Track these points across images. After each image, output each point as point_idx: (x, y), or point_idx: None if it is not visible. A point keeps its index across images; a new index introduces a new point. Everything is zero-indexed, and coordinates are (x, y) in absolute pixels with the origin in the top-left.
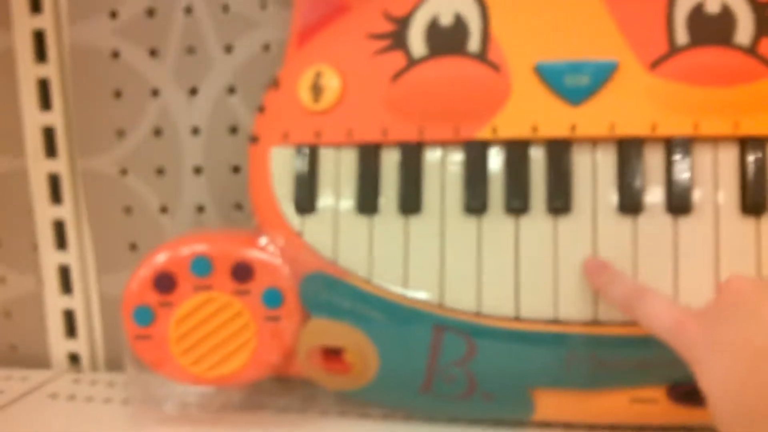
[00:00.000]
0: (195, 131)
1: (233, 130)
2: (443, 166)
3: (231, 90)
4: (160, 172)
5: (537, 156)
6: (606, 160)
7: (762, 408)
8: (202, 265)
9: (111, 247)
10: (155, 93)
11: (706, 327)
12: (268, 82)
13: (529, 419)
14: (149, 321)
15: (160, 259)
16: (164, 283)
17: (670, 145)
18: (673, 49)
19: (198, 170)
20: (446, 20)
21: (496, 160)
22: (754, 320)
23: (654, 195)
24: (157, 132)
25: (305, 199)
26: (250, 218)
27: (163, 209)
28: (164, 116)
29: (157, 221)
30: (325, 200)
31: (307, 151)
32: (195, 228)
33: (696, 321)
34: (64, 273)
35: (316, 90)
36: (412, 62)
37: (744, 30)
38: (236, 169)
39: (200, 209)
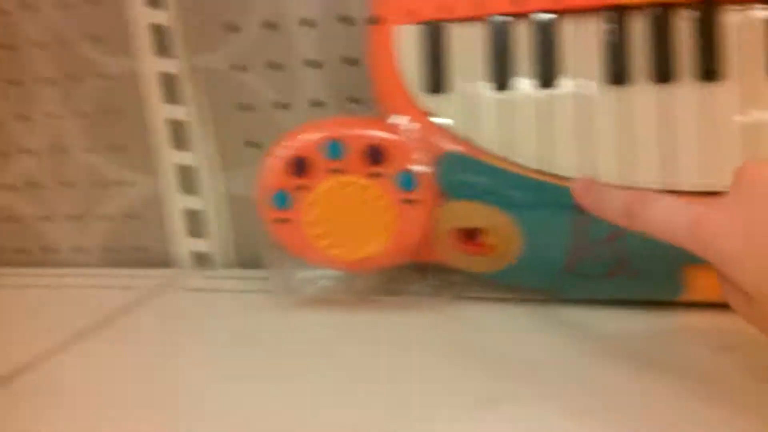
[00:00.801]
0: (308, 23)
1: (347, 20)
2: (582, 35)
3: None
4: (275, 66)
5: (685, 18)
6: (761, 20)
7: None
8: (334, 149)
9: (230, 145)
10: None
11: (733, 218)
12: None
13: (677, 299)
14: (286, 204)
15: (295, 143)
16: (299, 166)
17: None
18: None
19: (313, 64)
20: None
21: (638, 26)
22: None
23: None
24: (270, 25)
25: (436, 78)
26: (367, 111)
27: (280, 104)
28: (276, 7)
29: (274, 117)
30: (456, 77)
31: (435, 27)
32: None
33: (714, 213)
34: (185, 173)
35: None
36: None
37: None
38: (352, 61)
39: (316, 104)
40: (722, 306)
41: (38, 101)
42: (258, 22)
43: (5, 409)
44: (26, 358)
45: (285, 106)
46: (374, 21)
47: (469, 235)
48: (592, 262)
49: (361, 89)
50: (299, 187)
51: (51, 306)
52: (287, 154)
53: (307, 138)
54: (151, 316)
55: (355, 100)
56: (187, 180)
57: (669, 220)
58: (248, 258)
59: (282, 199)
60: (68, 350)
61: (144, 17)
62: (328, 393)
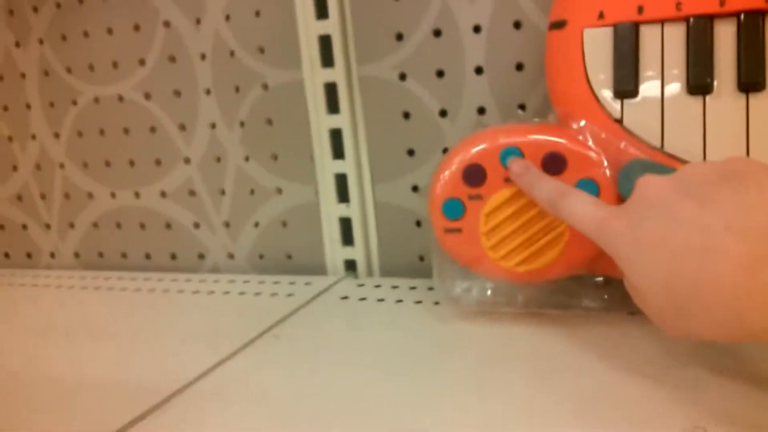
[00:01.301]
0: (476, 29)
1: (517, 25)
2: None
3: None
4: (439, 74)
5: None
6: None
7: (687, 300)
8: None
9: (388, 154)
10: None
11: (629, 225)
12: None
13: None
14: (459, 214)
15: (470, 151)
16: (474, 175)
17: None
18: None
19: (479, 70)
20: None
21: None
22: (672, 219)
23: None
24: (437, 33)
25: (626, 83)
26: (533, 117)
27: (443, 113)
28: (445, 15)
29: (436, 125)
30: (648, 82)
31: (627, 29)
32: (475, 130)
33: (618, 219)
34: (341, 181)
35: None
36: None
37: None
38: (519, 67)
39: (481, 111)
40: None
41: (199, 111)
42: (426, 30)
43: (190, 414)
44: (206, 361)
45: (447, 114)
46: (559, 25)
47: None
48: None
49: (528, 95)
50: (473, 197)
51: (213, 311)
52: (462, 162)
53: (484, 146)
54: (312, 322)
55: (522, 107)
56: (343, 189)
57: (582, 216)
58: (397, 268)
59: (455, 209)
60: (238, 356)
61: (311, 28)
62: (491, 411)
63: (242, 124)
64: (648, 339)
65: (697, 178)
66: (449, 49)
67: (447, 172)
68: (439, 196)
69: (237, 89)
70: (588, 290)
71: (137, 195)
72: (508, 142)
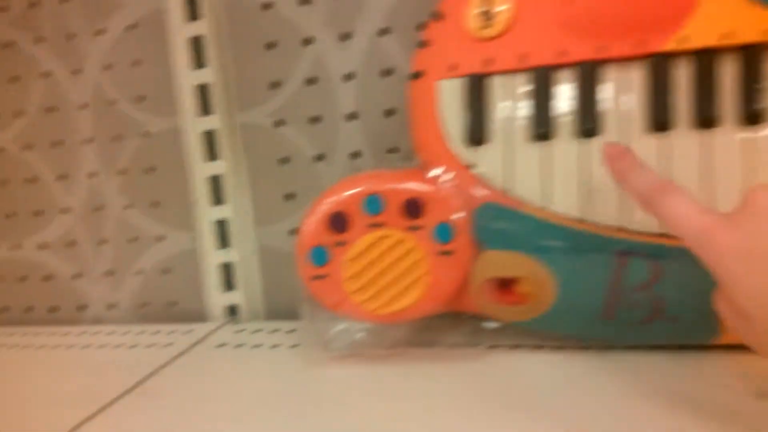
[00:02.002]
0: (348, 77)
1: (386, 73)
2: (624, 84)
3: (384, 32)
4: (314, 120)
5: (729, 65)
6: None
7: None
8: (374, 203)
9: (268, 199)
10: (308, 41)
11: (738, 238)
12: (419, 22)
13: (714, 342)
14: (324, 261)
15: (334, 199)
16: (338, 223)
17: None
18: None
19: (352, 116)
20: None
21: (682, 72)
22: None
23: None
24: (311, 81)
25: (476, 131)
26: (405, 160)
27: (319, 157)
28: (318, 64)
29: (314, 169)
30: (496, 130)
31: (476, 80)
32: (351, 173)
33: (726, 231)
34: (222, 227)
35: (486, 16)
36: None
37: None
38: (390, 113)
39: (355, 155)
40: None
41: (80, 161)
42: (300, 78)
43: None
44: (69, 422)
45: (323, 159)
46: (417, 76)
47: (505, 284)
48: (629, 309)
49: (400, 139)
50: (338, 243)
51: (86, 366)
52: (326, 210)
53: (346, 193)
54: (185, 374)
55: (394, 150)
56: (223, 234)
57: (682, 219)
58: (281, 310)
59: (320, 256)
60: (104, 413)
61: (188, 78)
62: None
63: (122, 172)
64: (512, 371)
65: None
66: (323, 96)
67: (311, 221)
68: (305, 244)
69: (117, 138)
70: (453, 327)
71: (16, 247)
72: (369, 190)
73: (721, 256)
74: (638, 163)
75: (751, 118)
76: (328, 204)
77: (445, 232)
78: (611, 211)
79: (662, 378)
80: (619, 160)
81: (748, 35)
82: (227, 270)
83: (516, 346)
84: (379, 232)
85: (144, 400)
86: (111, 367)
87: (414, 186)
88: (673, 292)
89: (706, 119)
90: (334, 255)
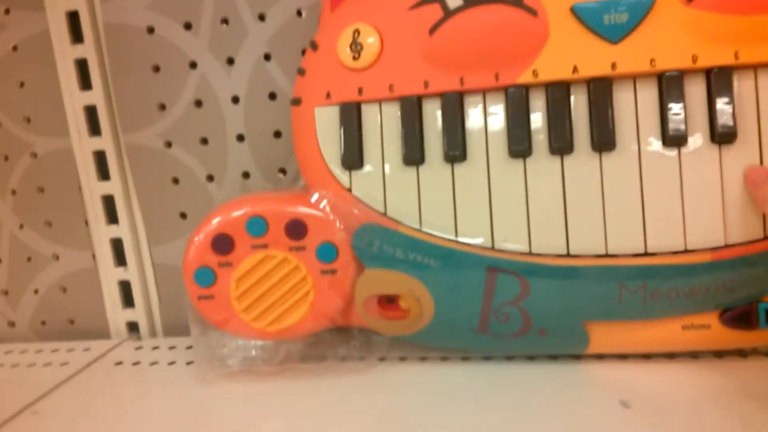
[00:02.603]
0: (235, 100)
1: (272, 96)
2: (485, 113)
3: (267, 57)
4: (204, 141)
5: (579, 95)
6: (648, 95)
7: None
8: (257, 225)
9: (161, 218)
10: (193, 65)
11: None
12: (303, 47)
13: (584, 352)
14: (210, 281)
15: (218, 221)
16: (222, 244)
17: (711, 76)
18: None
19: (241, 138)
20: None
21: (537, 102)
22: None
23: (697, 126)
24: (198, 103)
25: (352, 156)
26: (295, 181)
27: (210, 177)
28: (204, 87)
29: (204, 190)
30: (371, 155)
31: (350, 108)
32: (242, 193)
33: None
34: (117, 246)
35: (356, 48)
36: (448, 13)
37: None
38: (278, 134)
39: (245, 175)
40: (627, 357)
41: None
42: (187, 100)
43: None
44: None
45: (214, 179)
46: (296, 102)
47: (387, 300)
48: (501, 322)
49: (288, 160)
50: (222, 264)
51: None
52: (209, 232)
53: (230, 216)
54: (80, 392)
55: (283, 171)
56: (119, 253)
57: None
58: (180, 326)
59: (205, 277)
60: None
61: (76, 99)
62: None
63: (14, 192)
64: (399, 383)
65: None
66: (211, 118)
67: (196, 242)
68: (190, 265)
69: (6, 158)
70: (344, 340)
71: None
72: (253, 212)
73: None
74: None
75: (597, 146)
76: (211, 226)
77: (327, 252)
78: (479, 230)
79: (536, 386)
80: (761, 186)
81: (595, 69)
82: (125, 287)
83: (403, 358)
84: (262, 253)
85: (36, 420)
86: (6, 386)
87: (297, 208)
88: (541, 307)
89: (560, 147)
90: (220, 275)
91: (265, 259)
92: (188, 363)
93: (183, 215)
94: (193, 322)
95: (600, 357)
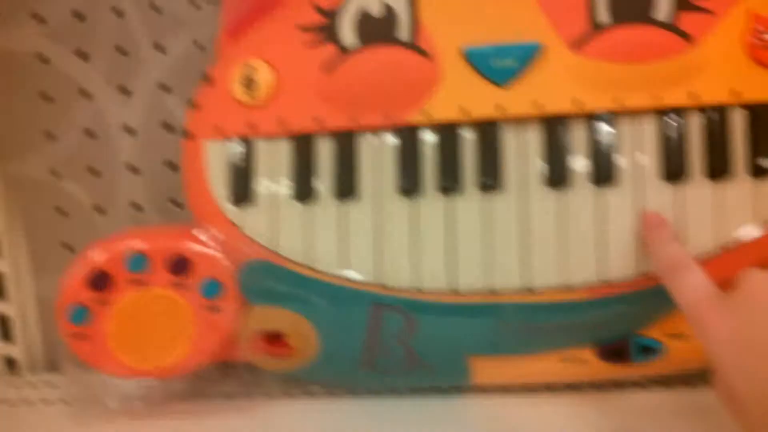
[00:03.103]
0: (129, 130)
1: (168, 127)
2: (377, 151)
3: (165, 88)
4: (93, 172)
5: (468, 137)
6: (534, 138)
7: None
8: (137, 261)
9: (46, 250)
10: (86, 94)
11: (735, 327)
12: (200, 78)
13: (468, 385)
14: (85, 320)
15: (95, 257)
16: (99, 281)
17: (594, 120)
18: (594, 28)
19: (134, 169)
20: (375, 10)
21: (428, 142)
22: None
23: (580, 168)
24: (90, 133)
25: (241, 191)
26: (188, 213)
27: (99, 209)
28: (97, 117)
29: (92, 221)
30: (261, 191)
31: (241, 143)
32: (132, 225)
33: (723, 319)
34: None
35: (249, 84)
36: (343, 53)
37: (663, 5)
38: (172, 166)
39: (137, 207)
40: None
41: None
42: (78, 129)
43: None
44: None
45: (103, 211)
46: (187, 136)
47: (273, 336)
48: (387, 358)
49: (182, 192)
50: (99, 302)
51: None
52: (86, 268)
53: (109, 251)
54: None
55: (176, 203)
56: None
57: (692, 299)
58: (56, 363)
59: (80, 314)
60: None
61: None
62: None
63: None
64: (283, 420)
65: None
66: (102, 148)
67: (71, 279)
68: (64, 302)
69: None
70: (228, 376)
71: None
72: (133, 248)
73: (715, 344)
74: (670, 238)
75: (485, 187)
76: (88, 261)
77: (212, 289)
78: (367, 267)
79: (421, 420)
80: (654, 229)
81: (483, 111)
82: (4, 321)
83: (290, 394)
84: (143, 290)
85: None
86: None
87: (181, 243)
88: (425, 343)
89: (448, 186)
90: (96, 313)
91: (145, 296)
92: (66, 402)
93: (70, 247)
94: (67, 359)
95: (483, 390)
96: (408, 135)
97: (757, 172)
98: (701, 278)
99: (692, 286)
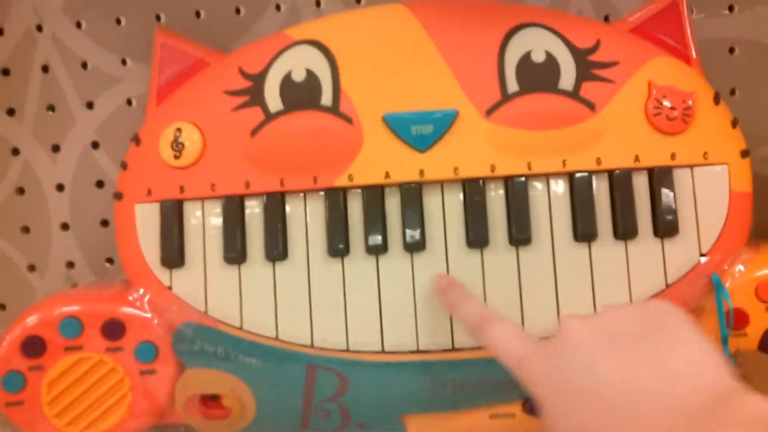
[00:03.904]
0: (60, 188)
1: (100, 184)
2: (305, 214)
3: (95, 145)
4: (25, 230)
5: (391, 199)
6: (453, 200)
7: None
8: (71, 326)
9: None
10: (15, 152)
11: (550, 371)
12: (132, 136)
13: None
14: (20, 386)
15: (28, 322)
16: (33, 347)
17: (508, 184)
18: (505, 97)
19: (65, 226)
20: (298, 76)
21: (354, 204)
22: (594, 374)
23: (497, 229)
24: (20, 190)
25: (172, 254)
26: (122, 271)
27: (31, 267)
28: (27, 174)
29: (25, 279)
30: (191, 253)
31: (171, 206)
32: (66, 284)
33: (539, 362)
34: None
35: (177, 146)
36: (269, 117)
37: (567, 75)
38: (105, 223)
39: (70, 265)
40: None
41: None
42: (9, 187)
43: None
44: None
45: (35, 269)
46: (118, 196)
47: (211, 398)
48: (323, 418)
49: (115, 250)
50: (33, 368)
51: None
52: (19, 334)
53: (41, 316)
54: None
55: (110, 260)
56: None
57: (504, 349)
58: None
59: (14, 382)
60: None
61: None
62: None
63: None
64: None
65: (620, 327)
66: (33, 206)
67: (4, 345)
68: None
69: None
70: None
71: None
72: (66, 312)
73: (535, 386)
74: (465, 294)
75: (409, 247)
76: (21, 328)
77: (146, 352)
78: (299, 327)
79: None
80: (448, 291)
81: (405, 175)
82: None
83: None
84: (77, 355)
85: None
86: None
87: (114, 307)
88: (358, 402)
89: (374, 247)
90: (30, 380)
91: (80, 362)
92: None
93: (2, 306)
94: (2, 424)
95: None
96: (334, 197)
97: (659, 232)
98: (510, 328)
99: (502, 337)
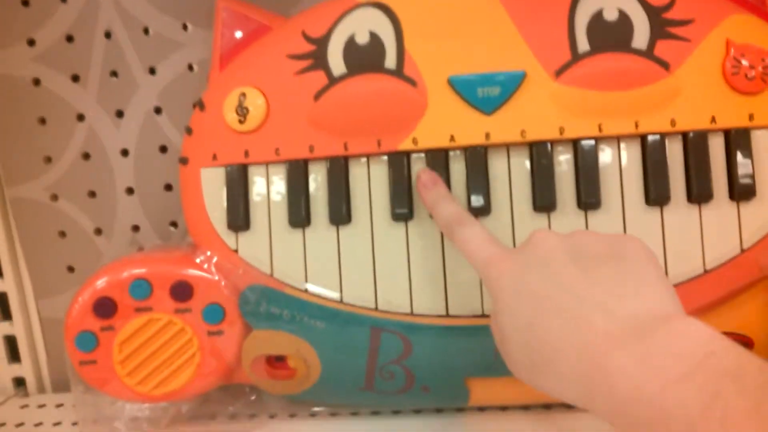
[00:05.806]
0: (124, 153)
1: (163, 149)
2: (369, 177)
3: (157, 110)
4: (92, 195)
5: (456, 163)
6: (519, 163)
7: (542, 357)
8: (141, 288)
9: (48, 272)
10: (81, 118)
11: (514, 271)
12: (194, 101)
13: (466, 405)
14: (92, 346)
15: (99, 284)
16: (104, 308)
17: (577, 147)
18: (576, 57)
19: (130, 191)
20: (362, 39)
21: (418, 168)
22: (554, 280)
23: (565, 193)
24: (86, 156)
25: (238, 217)
26: (186, 234)
27: (98, 231)
28: (92, 140)
29: (92, 243)
30: (257, 217)
31: (236, 170)
32: (132, 247)
33: (505, 261)
34: (2, 300)
35: (242, 111)
36: (332, 81)
37: (640, 34)
38: (168, 187)
39: (135, 228)
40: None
41: None
42: (74, 153)
43: None
44: None
45: (102, 233)
46: (184, 161)
47: (276, 359)
48: (386, 380)
49: (179, 214)
50: (105, 328)
51: None
52: (91, 295)
53: (112, 279)
54: None
55: (174, 224)
56: (4, 306)
57: (474, 249)
58: (63, 383)
59: (87, 341)
60: None
61: None
62: None
63: None
64: None
65: (588, 249)
66: (99, 171)
67: (77, 306)
68: (71, 330)
69: None
70: (233, 398)
71: None
72: (136, 274)
73: (496, 282)
74: (446, 194)
75: (473, 211)
76: (92, 289)
77: (213, 314)
78: (363, 291)
79: None
80: (430, 189)
81: (470, 138)
82: (11, 342)
83: (294, 415)
84: (146, 316)
85: None
86: None
87: (182, 269)
88: (422, 365)
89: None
90: (102, 340)
91: (149, 322)
92: (74, 423)
93: (71, 268)
94: (76, 381)
95: (482, 409)
96: (398, 161)
97: (735, 196)
98: (481, 231)
99: (473, 237)
